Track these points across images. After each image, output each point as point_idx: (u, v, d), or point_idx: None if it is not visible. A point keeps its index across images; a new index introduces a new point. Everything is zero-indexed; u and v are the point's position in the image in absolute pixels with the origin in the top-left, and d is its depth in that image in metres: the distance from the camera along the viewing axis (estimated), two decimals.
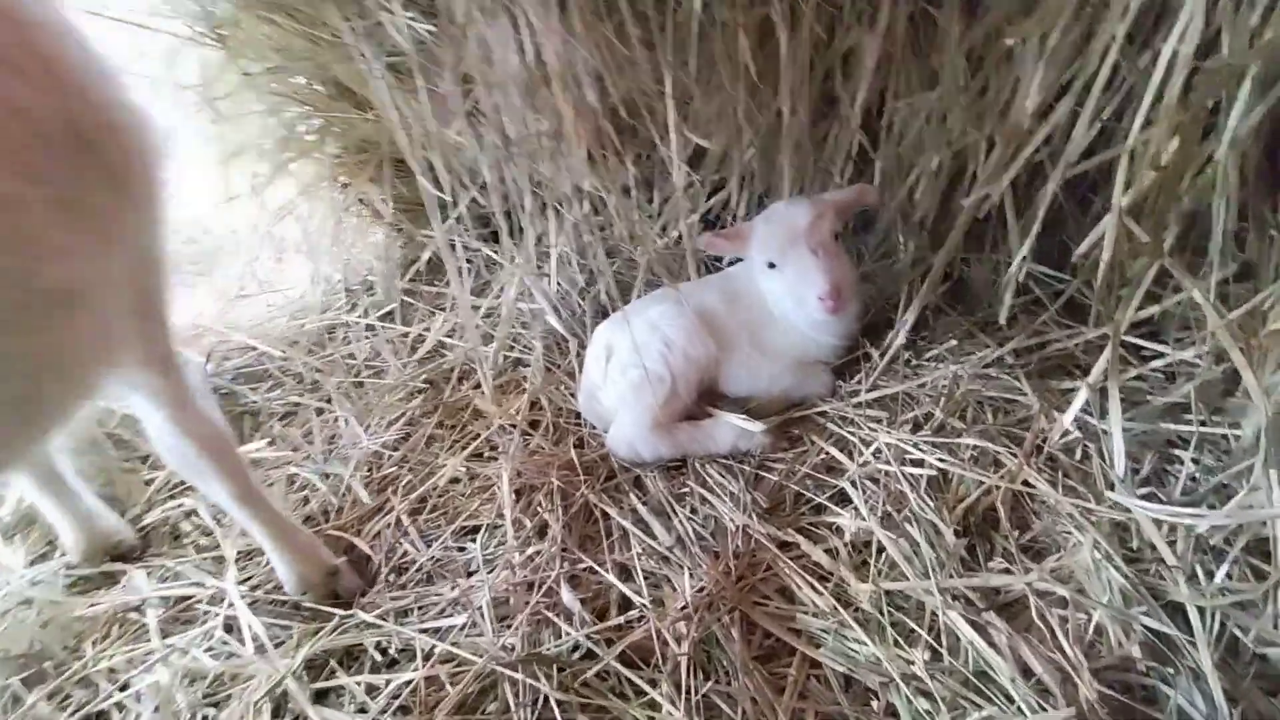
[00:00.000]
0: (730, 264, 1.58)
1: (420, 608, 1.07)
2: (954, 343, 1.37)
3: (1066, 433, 1.07)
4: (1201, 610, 0.78)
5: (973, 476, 1.06)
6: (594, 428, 1.39)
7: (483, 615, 0.99)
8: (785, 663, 0.92)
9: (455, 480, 1.32)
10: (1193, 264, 1.05)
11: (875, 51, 1.26)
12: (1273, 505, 0.71)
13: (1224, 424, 0.99)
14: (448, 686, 0.90)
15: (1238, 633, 0.78)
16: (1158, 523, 0.86)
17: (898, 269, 1.47)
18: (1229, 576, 0.84)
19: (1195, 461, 0.97)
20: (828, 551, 1.04)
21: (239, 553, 1.15)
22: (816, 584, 0.99)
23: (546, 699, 0.87)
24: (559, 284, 1.66)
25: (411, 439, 1.43)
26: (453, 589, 1.08)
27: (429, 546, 1.18)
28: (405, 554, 1.17)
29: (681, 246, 1.64)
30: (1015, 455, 1.09)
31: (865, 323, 1.43)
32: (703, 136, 1.42)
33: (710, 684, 0.89)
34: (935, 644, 0.87)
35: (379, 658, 0.96)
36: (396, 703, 0.89)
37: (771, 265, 1.30)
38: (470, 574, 1.12)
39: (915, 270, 1.41)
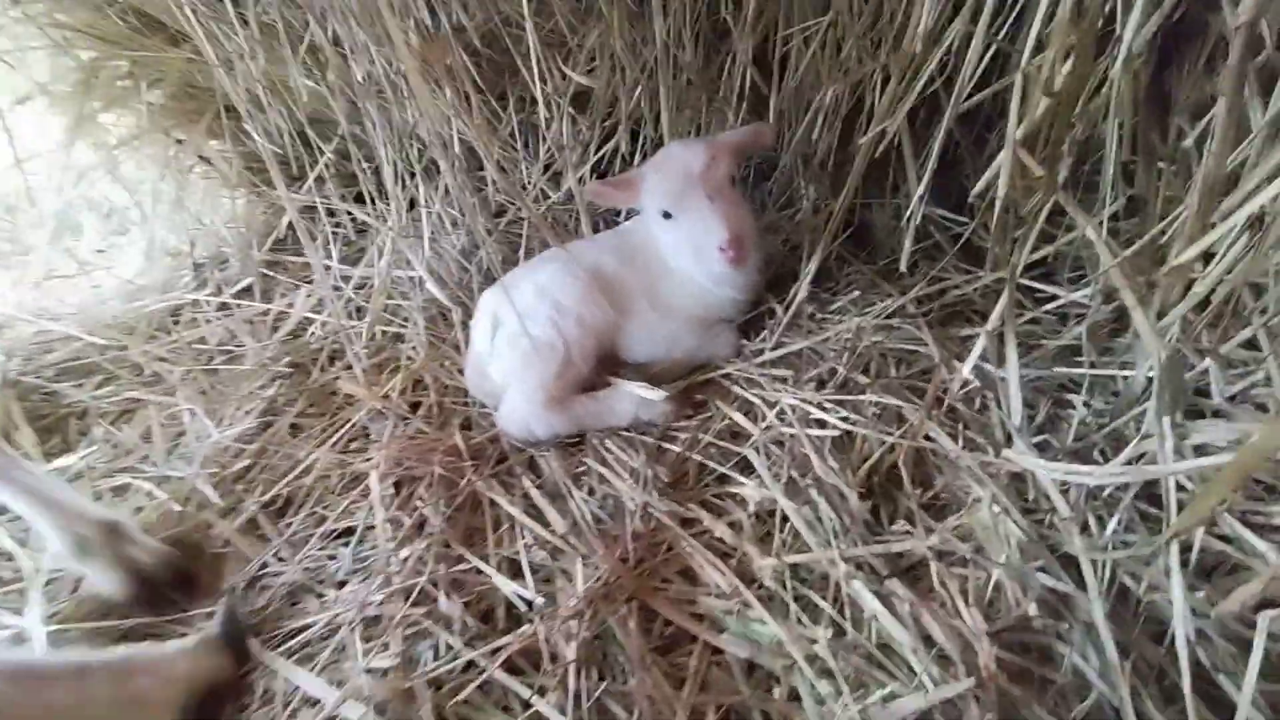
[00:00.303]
0: (627, 218, 1.47)
1: (284, 634, 0.93)
2: (857, 293, 1.32)
3: (966, 383, 1.03)
4: (1095, 563, 0.76)
5: (875, 435, 1.02)
6: (484, 407, 1.26)
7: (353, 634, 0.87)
8: (686, 651, 0.85)
9: (325, 476, 1.17)
10: (1084, 201, 1.02)
11: None
12: (1165, 454, 0.69)
13: (1114, 364, 0.99)
14: None
15: (1128, 581, 0.77)
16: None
17: (800, 218, 1.39)
18: (1120, 525, 0.83)
19: (1087, 405, 0.95)
20: (731, 525, 0.98)
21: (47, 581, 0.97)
22: (719, 562, 0.93)
23: None
24: (439, 249, 1.50)
25: (271, 430, 1.25)
26: (321, 605, 0.96)
27: (295, 554, 1.04)
28: (265, 566, 1.03)
29: (573, 203, 1.51)
30: (918, 409, 1.05)
31: (769, 276, 1.36)
32: (584, 74, 1.28)
33: (605, 685, 0.81)
34: (839, 618, 0.83)
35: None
36: None
37: (667, 215, 1.19)
38: (341, 585, 0.99)
39: (817, 218, 1.34)
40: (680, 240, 1.20)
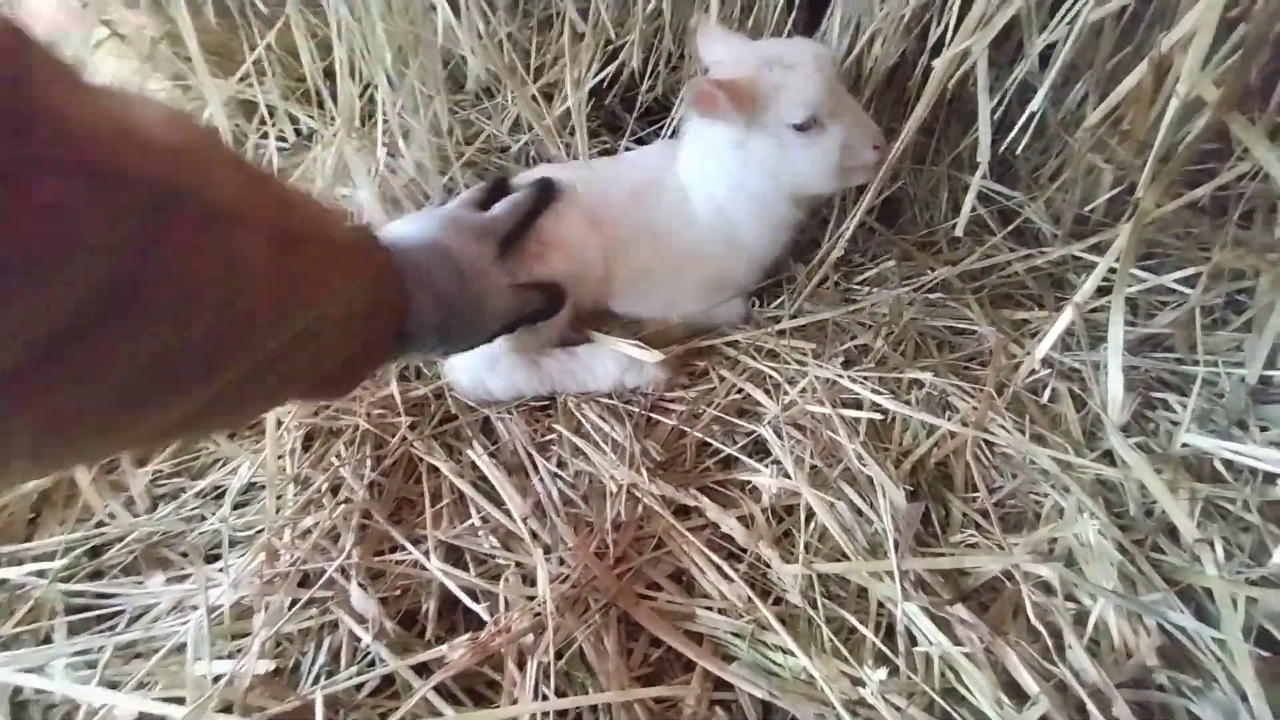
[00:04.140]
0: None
1: (110, 615, 0.67)
2: (891, 263, 1.13)
3: (1033, 371, 0.85)
4: (1234, 600, 0.57)
5: (925, 420, 0.82)
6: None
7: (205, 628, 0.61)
8: (681, 681, 0.63)
9: None
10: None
11: None
12: None
13: (1216, 361, 0.82)
14: None
15: (1268, 626, 0.59)
16: (1170, 481, 0.66)
17: None
18: (1240, 548, 0.65)
19: (1183, 406, 0.78)
20: (741, 519, 0.76)
21: None
22: (725, 565, 0.71)
23: None
24: (396, 167, 1.24)
25: None
26: (171, 579, 0.70)
27: (153, 511, 0.77)
28: (103, 524, 0.76)
29: (568, 132, 1.27)
30: (970, 396, 0.86)
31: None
32: None
33: None
34: (887, 651, 0.62)
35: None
36: None
37: (808, 125, 0.93)
38: (211, 559, 0.73)
39: None
40: (828, 149, 0.95)
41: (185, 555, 0.73)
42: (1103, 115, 0.75)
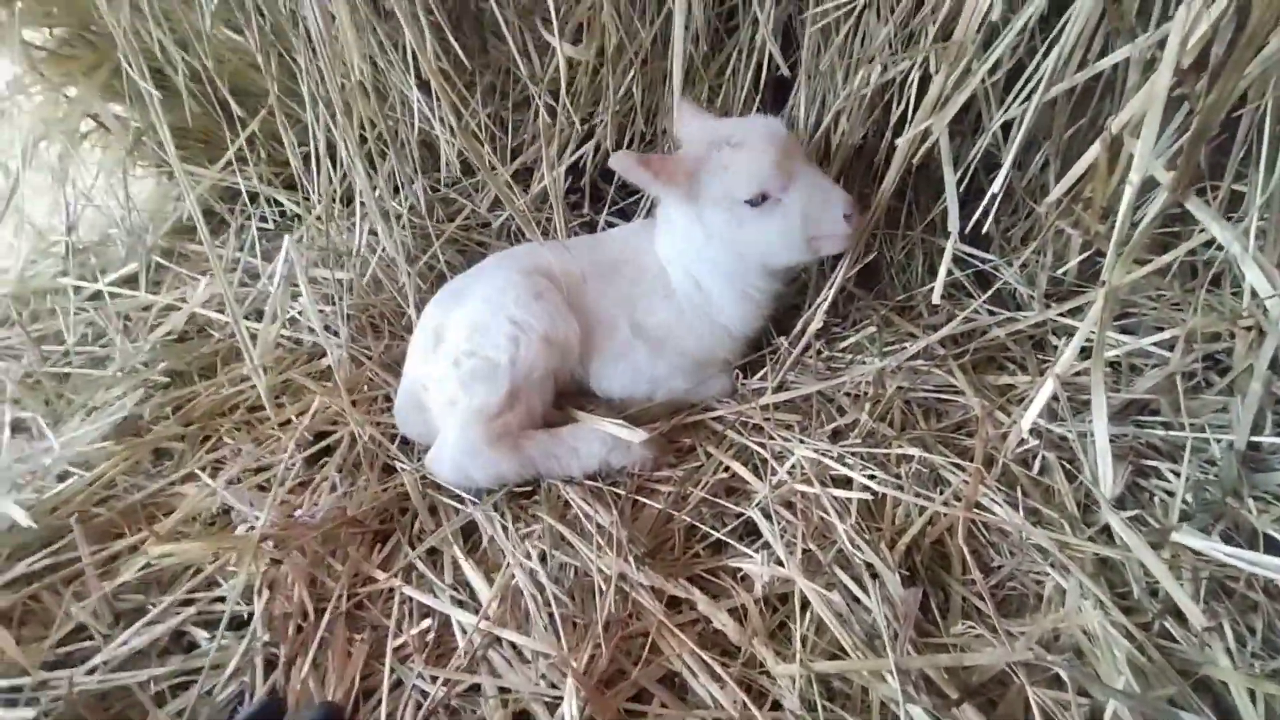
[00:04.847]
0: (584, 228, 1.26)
1: None
2: (872, 330, 1.13)
3: (1022, 441, 0.84)
4: (1253, 693, 0.55)
5: (916, 500, 0.80)
6: (408, 444, 1.00)
7: None
8: None
9: (190, 519, 0.87)
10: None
11: None
12: None
13: (1196, 426, 0.81)
14: None
15: None
16: (1169, 562, 0.64)
17: None
18: (1251, 631, 0.63)
19: (1176, 474, 0.77)
20: (732, 612, 0.73)
21: None
22: (718, 665, 0.67)
23: None
24: (376, 246, 1.24)
25: (125, 452, 0.95)
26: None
27: (118, 630, 0.73)
28: (80, 636, 0.72)
29: (548, 207, 1.29)
30: (960, 470, 0.84)
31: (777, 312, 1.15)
32: (570, 46, 1.07)
33: None
34: None
35: None
36: None
37: (759, 200, 0.94)
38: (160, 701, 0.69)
39: None
40: (786, 221, 0.95)
41: (146, 684, 0.69)
42: (1064, 190, 0.77)
